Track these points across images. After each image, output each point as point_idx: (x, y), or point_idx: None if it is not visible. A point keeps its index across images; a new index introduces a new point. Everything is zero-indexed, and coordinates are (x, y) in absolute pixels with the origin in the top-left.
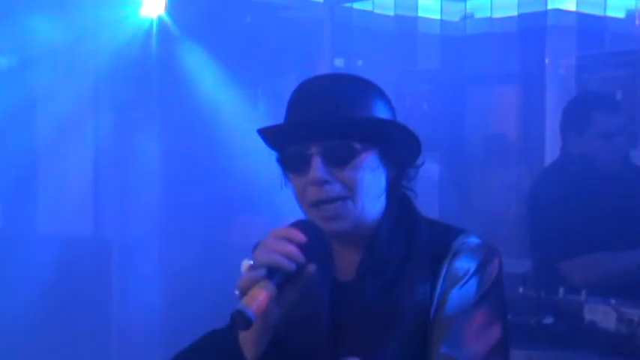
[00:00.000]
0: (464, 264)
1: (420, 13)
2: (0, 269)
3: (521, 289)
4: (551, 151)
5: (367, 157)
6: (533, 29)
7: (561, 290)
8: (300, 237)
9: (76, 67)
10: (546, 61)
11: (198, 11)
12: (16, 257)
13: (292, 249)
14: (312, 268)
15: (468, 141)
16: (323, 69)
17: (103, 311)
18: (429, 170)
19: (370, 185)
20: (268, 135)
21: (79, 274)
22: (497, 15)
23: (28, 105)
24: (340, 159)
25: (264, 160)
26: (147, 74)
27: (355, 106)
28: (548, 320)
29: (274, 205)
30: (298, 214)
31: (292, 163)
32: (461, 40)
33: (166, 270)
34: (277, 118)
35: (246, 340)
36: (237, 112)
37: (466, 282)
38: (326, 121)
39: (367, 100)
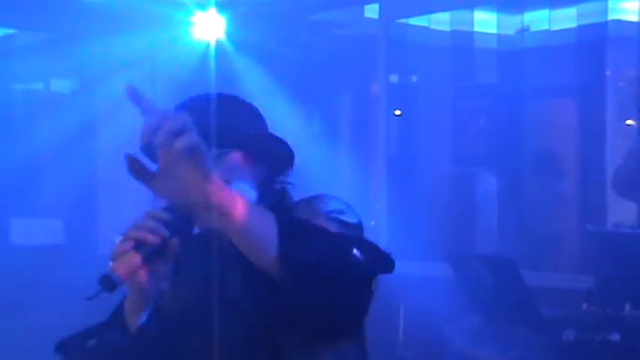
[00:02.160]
0: None
1: (477, 28)
2: (63, 287)
3: (585, 305)
4: (612, 164)
5: (228, 159)
6: (592, 41)
7: (627, 306)
8: (165, 215)
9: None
10: (607, 72)
11: (255, 30)
12: (77, 276)
13: (156, 225)
14: (175, 241)
15: (526, 155)
16: (378, 85)
17: None
18: (488, 184)
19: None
20: (146, 151)
21: None
22: (555, 27)
23: (89, 127)
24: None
25: (319, 177)
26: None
27: (221, 117)
28: (615, 337)
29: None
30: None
31: None
32: (518, 54)
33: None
34: (332, 134)
35: (128, 312)
36: (293, 130)
37: None
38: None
39: (229, 112)
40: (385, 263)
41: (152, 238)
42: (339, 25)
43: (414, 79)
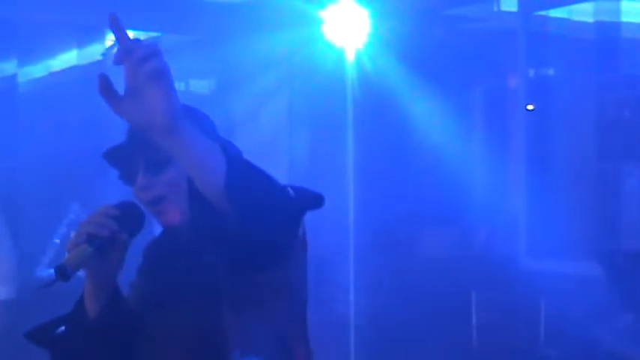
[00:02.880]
0: None
1: (624, 18)
2: None
3: None
4: None
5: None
6: None
7: None
8: (114, 212)
9: (272, 89)
10: None
11: (390, 27)
12: None
13: (105, 220)
14: (124, 236)
15: None
16: (516, 79)
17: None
18: (635, 178)
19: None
20: (108, 158)
21: None
22: None
23: (227, 126)
24: (158, 166)
25: (454, 173)
26: (341, 92)
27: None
28: None
29: (465, 217)
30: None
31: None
32: None
33: (361, 281)
34: (467, 129)
35: (87, 299)
36: (429, 126)
37: None
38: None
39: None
40: (315, 200)
41: (102, 232)
42: (475, 19)
43: (552, 72)
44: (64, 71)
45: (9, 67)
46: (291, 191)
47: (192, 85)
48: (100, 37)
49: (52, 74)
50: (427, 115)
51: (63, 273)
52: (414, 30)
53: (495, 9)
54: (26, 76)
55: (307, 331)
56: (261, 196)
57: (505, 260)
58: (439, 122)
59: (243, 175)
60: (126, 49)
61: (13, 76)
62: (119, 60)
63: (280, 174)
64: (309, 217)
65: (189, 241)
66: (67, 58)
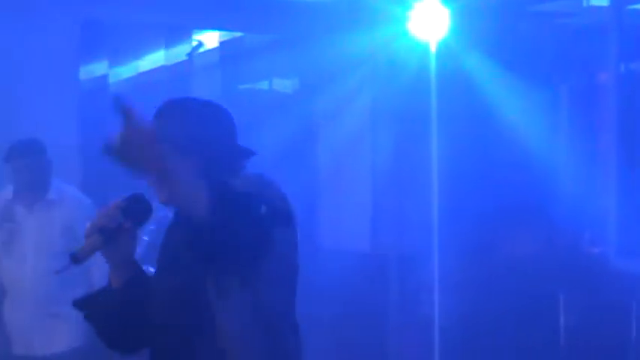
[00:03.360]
0: None
1: None
2: None
3: None
4: None
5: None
6: None
7: None
8: (121, 205)
9: (355, 88)
10: None
11: (478, 24)
12: (299, 267)
13: (113, 212)
14: (129, 225)
15: None
16: (606, 75)
17: (380, 324)
18: None
19: (169, 174)
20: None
21: (357, 286)
22: None
23: (310, 125)
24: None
25: (541, 171)
26: (424, 88)
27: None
28: None
29: (552, 215)
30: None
31: None
32: None
33: (446, 282)
34: (555, 126)
35: (110, 276)
36: (516, 123)
37: None
38: None
39: (167, 117)
40: (282, 219)
41: (109, 223)
42: (563, 14)
43: None
44: (151, 71)
45: (100, 67)
46: (264, 210)
47: (276, 84)
48: (185, 37)
49: (140, 74)
50: (514, 112)
51: (75, 259)
52: (501, 27)
53: (585, 4)
54: (116, 76)
55: (291, 309)
56: (235, 222)
57: (595, 260)
58: (526, 119)
59: (222, 206)
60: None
61: (104, 77)
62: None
63: (363, 173)
64: (393, 219)
65: (179, 234)
66: (154, 59)
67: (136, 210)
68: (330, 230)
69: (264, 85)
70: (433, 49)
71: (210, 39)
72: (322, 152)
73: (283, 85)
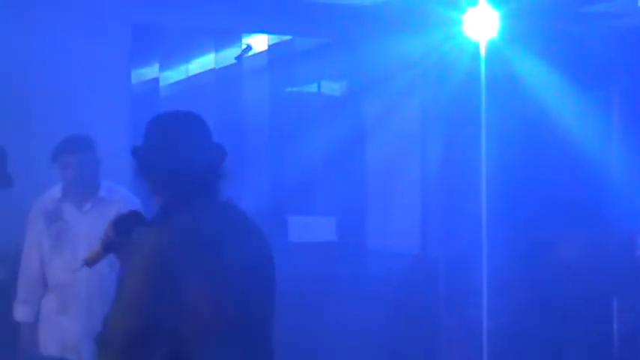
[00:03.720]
0: None
1: None
2: (336, 281)
3: None
4: None
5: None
6: None
7: None
8: (114, 221)
9: (404, 90)
10: None
11: (529, 27)
12: (349, 270)
13: (109, 231)
14: (119, 238)
15: None
16: None
17: (429, 326)
18: None
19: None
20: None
21: (406, 289)
22: None
23: (359, 128)
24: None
25: (592, 173)
26: (474, 93)
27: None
28: None
29: (603, 219)
30: None
31: None
32: None
33: (495, 284)
34: (606, 127)
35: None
36: (566, 124)
37: None
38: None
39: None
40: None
41: (106, 239)
42: (616, 15)
43: None
44: (201, 75)
45: (151, 71)
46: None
47: (325, 87)
48: (235, 41)
49: (189, 78)
50: (565, 114)
51: (87, 263)
52: (552, 28)
53: (638, 4)
54: (166, 79)
55: None
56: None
57: None
58: (577, 121)
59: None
60: None
61: (155, 80)
62: None
63: (413, 175)
64: (443, 220)
65: None
66: (204, 62)
67: (125, 225)
68: (380, 233)
69: (312, 88)
70: (483, 51)
71: (259, 42)
72: (371, 155)
73: (332, 87)
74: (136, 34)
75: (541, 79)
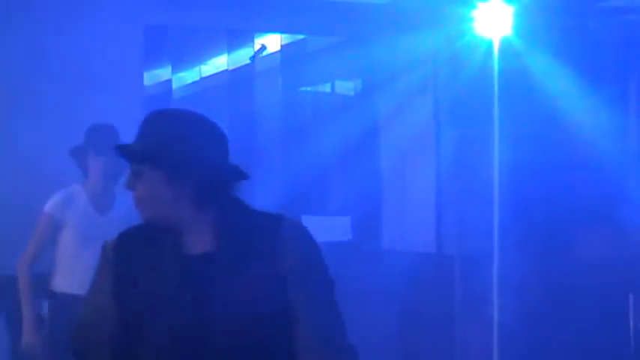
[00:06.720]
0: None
1: None
2: (352, 280)
3: None
4: None
5: (147, 176)
6: None
7: None
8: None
9: (418, 89)
10: None
11: (542, 22)
12: (365, 269)
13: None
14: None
15: None
16: None
17: (444, 324)
18: None
19: (154, 196)
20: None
21: (422, 287)
22: None
23: (373, 127)
24: (133, 178)
25: (607, 170)
26: (488, 90)
27: (142, 137)
28: None
29: (618, 216)
30: None
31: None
32: None
33: (510, 282)
34: (622, 123)
35: None
36: (581, 120)
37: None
38: (125, 150)
39: (149, 133)
40: None
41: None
42: (629, 9)
43: None
44: (214, 75)
45: (164, 72)
46: None
47: (338, 86)
48: (248, 41)
49: (203, 79)
50: (580, 110)
51: None
52: (567, 24)
53: None
54: (179, 81)
55: None
56: None
57: None
58: (593, 118)
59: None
60: None
61: (168, 81)
62: None
63: (427, 173)
64: (458, 219)
65: None
66: (217, 63)
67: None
68: (395, 231)
69: (326, 87)
70: (496, 48)
71: (272, 42)
72: (385, 153)
73: (345, 87)
74: (148, 35)
75: (555, 75)
